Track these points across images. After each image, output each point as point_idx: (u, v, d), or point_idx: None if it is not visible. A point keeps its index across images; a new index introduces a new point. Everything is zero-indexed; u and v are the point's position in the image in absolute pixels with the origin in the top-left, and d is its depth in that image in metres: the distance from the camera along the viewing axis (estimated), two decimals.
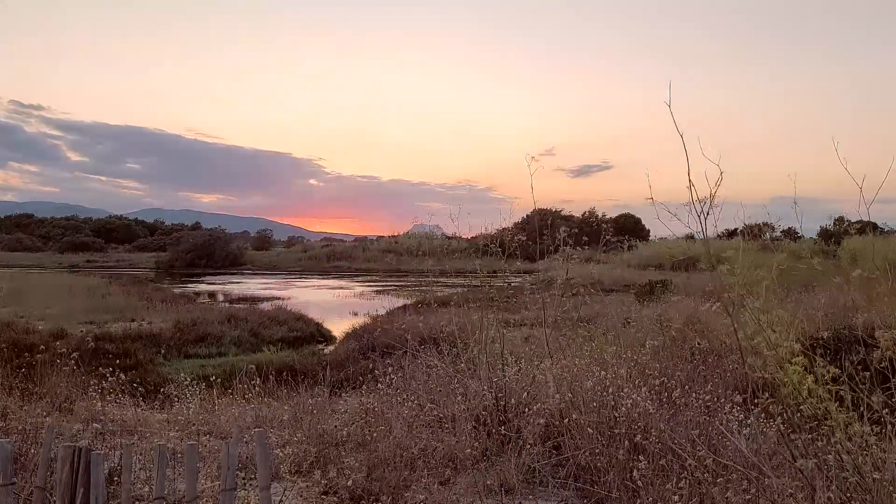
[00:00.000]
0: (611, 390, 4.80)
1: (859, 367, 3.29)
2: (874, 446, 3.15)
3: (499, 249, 6.81)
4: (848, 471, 3.10)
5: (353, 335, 16.83)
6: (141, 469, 4.41)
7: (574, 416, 4.70)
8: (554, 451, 4.78)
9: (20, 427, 4.76)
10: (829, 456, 3.20)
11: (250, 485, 4.18)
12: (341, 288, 40.09)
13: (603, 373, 5.10)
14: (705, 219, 3.54)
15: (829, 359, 3.31)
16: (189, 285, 39.20)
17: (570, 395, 5.00)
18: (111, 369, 6.11)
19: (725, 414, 4.67)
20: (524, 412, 5.07)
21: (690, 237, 4.95)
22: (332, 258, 64.80)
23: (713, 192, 3.45)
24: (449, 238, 8.30)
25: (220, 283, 42.39)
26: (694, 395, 4.91)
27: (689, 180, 3.46)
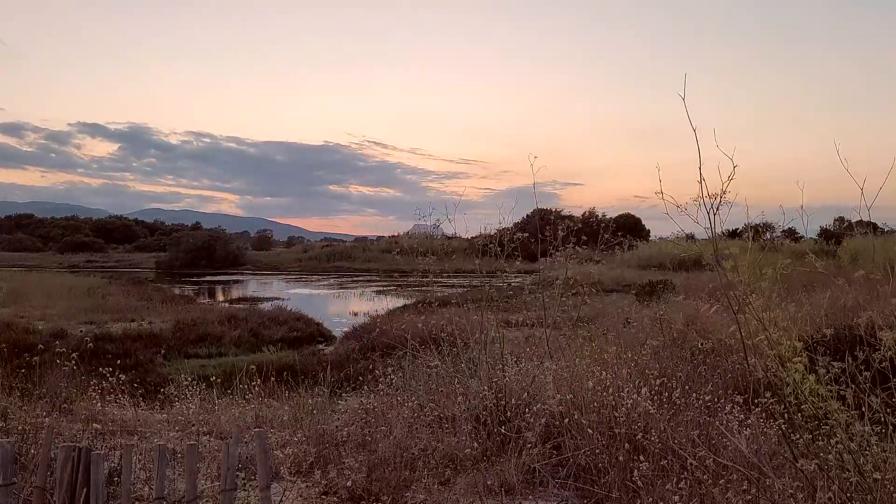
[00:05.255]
0: (611, 390, 4.79)
1: (861, 367, 3.28)
2: (875, 446, 3.15)
3: (499, 249, 6.80)
4: (849, 471, 3.09)
5: (353, 335, 16.83)
6: (141, 469, 4.41)
7: (574, 416, 4.69)
8: (554, 452, 4.78)
9: (20, 427, 4.75)
10: (830, 456, 3.20)
11: (250, 485, 4.17)
12: (341, 288, 40.10)
13: (603, 373, 5.09)
14: (714, 215, 3.52)
15: (830, 358, 3.31)
16: (189, 285, 39.21)
17: (570, 395, 4.99)
18: (111, 369, 6.10)
19: (726, 414, 4.66)
20: (524, 412, 5.06)
21: (691, 237, 4.93)
22: (331, 258, 64.76)
23: (724, 188, 3.43)
24: (449, 238, 8.28)
25: (220, 283, 42.41)
26: (694, 395, 4.90)
27: (699, 174, 3.44)
